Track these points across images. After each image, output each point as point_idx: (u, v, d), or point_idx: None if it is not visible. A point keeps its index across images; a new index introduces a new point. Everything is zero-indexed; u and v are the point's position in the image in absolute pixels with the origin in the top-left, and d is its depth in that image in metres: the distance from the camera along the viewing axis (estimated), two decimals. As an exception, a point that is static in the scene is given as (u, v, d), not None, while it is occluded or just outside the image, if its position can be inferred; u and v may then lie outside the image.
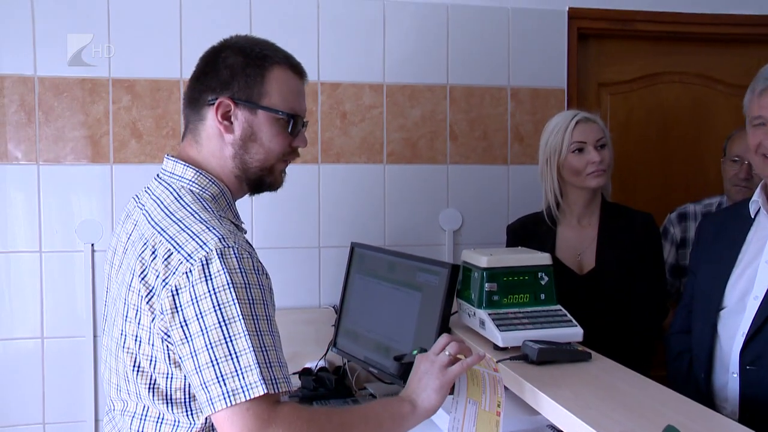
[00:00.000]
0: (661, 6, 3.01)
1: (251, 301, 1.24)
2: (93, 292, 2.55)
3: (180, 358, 1.26)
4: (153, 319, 1.27)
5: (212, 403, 1.20)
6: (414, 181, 2.83)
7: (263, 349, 1.21)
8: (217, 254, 1.24)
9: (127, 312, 1.32)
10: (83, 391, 2.55)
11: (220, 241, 1.26)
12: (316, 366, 2.46)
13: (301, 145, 1.49)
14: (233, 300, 1.22)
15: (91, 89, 2.55)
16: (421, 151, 2.83)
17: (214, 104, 1.41)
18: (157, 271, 1.27)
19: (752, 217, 1.90)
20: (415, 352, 1.89)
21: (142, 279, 1.29)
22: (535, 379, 1.54)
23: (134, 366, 1.32)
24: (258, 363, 1.19)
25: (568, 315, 1.86)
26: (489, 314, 1.84)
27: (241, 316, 1.21)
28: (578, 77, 3.00)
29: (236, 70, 1.41)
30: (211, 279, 1.23)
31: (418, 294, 2.17)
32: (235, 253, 1.25)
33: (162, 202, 1.39)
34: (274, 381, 1.20)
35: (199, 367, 1.21)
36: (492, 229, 2.79)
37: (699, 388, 1.91)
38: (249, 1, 2.65)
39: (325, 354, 2.52)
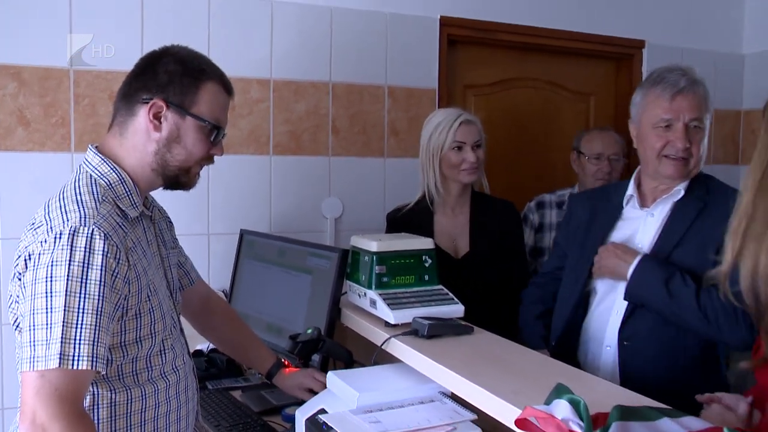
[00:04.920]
0: (519, 20, 3.16)
1: (84, 280, 1.24)
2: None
3: (20, 315, 1.31)
4: (15, 278, 1.34)
5: (21, 363, 1.23)
6: (298, 172, 2.82)
7: (79, 326, 1.22)
8: (70, 231, 1.26)
9: (11, 276, 1.38)
10: None
11: (80, 220, 1.28)
12: (208, 347, 2.39)
13: (217, 153, 1.52)
14: (65, 275, 1.23)
15: (-29, 74, 2.34)
16: (305, 144, 2.82)
17: (147, 103, 1.41)
18: (28, 238, 1.33)
19: (622, 205, 2.00)
20: (309, 330, 1.90)
21: (20, 245, 1.35)
22: (428, 351, 1.58)
23: (14, 323, 1.37)
24: (62, 338, 1.20)
25: (450, 294, 1.92)
26: (380, 294, 1.86)
27: (65, 292, 1.22)
28: (447, 79, 3.09)
29: (174, 76, 1.42)
30: (54, 252, 1.25)
31: (309, 277, 2.16)
32: (87, 234, 1.26)
33: (64, 186, 1.41)
34: (75, 358, 1.21)
35: (24, 327, 1.24)
36: (370, 216, 2.83)
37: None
38: (142, -6, 2.53)
39: (216, 336, 2.46)
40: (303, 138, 2.81)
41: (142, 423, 1.40)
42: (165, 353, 1.45)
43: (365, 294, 1.92)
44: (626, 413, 1.11)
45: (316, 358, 1.99)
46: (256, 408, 2.07)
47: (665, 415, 1.16)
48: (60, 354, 1.19)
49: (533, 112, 3.40)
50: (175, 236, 1.72)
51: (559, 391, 1.12)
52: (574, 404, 1.08)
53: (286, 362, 1.98)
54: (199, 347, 2.43)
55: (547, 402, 1.13)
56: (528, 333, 2.15)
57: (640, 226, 1.95)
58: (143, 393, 1.40)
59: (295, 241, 2.30)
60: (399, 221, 2.45)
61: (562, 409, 1.08)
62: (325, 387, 1.81)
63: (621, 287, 1.89)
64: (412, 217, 2.44)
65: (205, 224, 2.67)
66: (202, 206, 2.66)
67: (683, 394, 1.49)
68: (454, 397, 1.53)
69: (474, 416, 1.46)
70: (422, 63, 2.98)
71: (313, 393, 1.83)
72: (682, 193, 1.90)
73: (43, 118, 2.42)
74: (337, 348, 1.93)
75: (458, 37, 3.10)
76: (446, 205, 2.44)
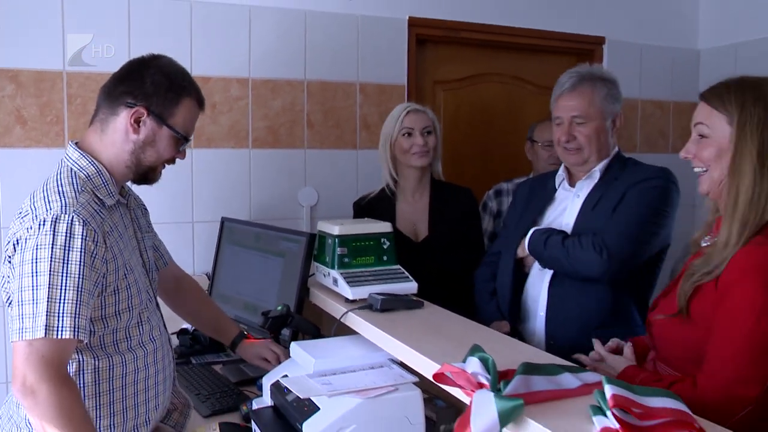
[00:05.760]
0: (484, 19, 3.29)
1: (65, 261, 1.37)
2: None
3: (11, 292, 1.43)
4: (6, 261, 1.46)
5: (12, 334, 1.38)
6: (276, 164, 2.95)
7: (61, 301, 1.35)
8: (52, 218, 1.39)
9: (3, 259, 1.51)
10: None
11: (61, 208, 1.41)
12: (193, 327, 2.54)
13: (180, 157, 1.67)
14: (48, 257, 1.36)
15: (-29, 77, 2.47)
16: (282, 138, 2.95)
17: (131, 107, 1.54)
18: (16, 226, 1.46)
19: (555, 188, 2.21)
20: (279, 308, 2.05)
21: (9, 232, 1.48)
22: (379, 324, 1.73)
23: (7, 300, 1.49)
24: (47, 312, 1.34)
25: (406, 272, 2.05)
26: (341, 273, 2.00)
27: (49, 271, 1.36)
28: (417, 75, 3.21)
29: (159, 89, 1.56)
30: (38, 237, 1.38)
31: (281, 259, 2.30)
32: (68, 220, 1.40)
33: (47, 179, 1.54)
34: (58, 328, 1.34)
35: (14, 303, 1.38)
36: (344, 204, 2.92)
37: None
38: (128, 1, 2.66)
39: (199, 315, 2.60)
40: (280, 132, 2.95)
41: (123, 386, 1.55)
42: (142, 325, 1.60)
43: (329, 273, 2.06)
44: (530, 368, 1.26)
45: (286, 332, 2.12)
46: (233, 379, 2.22)
47: (567, 370, 1.31)
48: (45, 325, 1.33)
49: (500, 106, 3.53)
50: (150, 222, 1.86)
51: (473, 350, 1.27)
52: (484, 361, 1.23)
53: (248, 334, 2.14)
54: (185, 326, 2.58)
55: (464, 360, 1.28)
56: (484, 309, 2.29)
57: (569, 205, 2.15)
58: (123, 360, 1.55)
59: (269, 227, 2.45)
60: (364, 208, 2.59)
61: (473, 364, 1.23)
62: (277, 357, 1.99)
63: None
64: (375, 204, 2.57)
65: (189, 213, 2.82)
66: (187, 196, 2.81)
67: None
68: (402, 365, 1.67)
69: (415, 379, 1.61)
70: (392, 61, 3.11)
71: (268, 362, 2.01)
72: (599, 174, 2.11)
73: (39, 117, 2.56)
74: (305, 323, 2.08)
75: (426, 36, 3.23)
76: (406, 192, 2.57)
